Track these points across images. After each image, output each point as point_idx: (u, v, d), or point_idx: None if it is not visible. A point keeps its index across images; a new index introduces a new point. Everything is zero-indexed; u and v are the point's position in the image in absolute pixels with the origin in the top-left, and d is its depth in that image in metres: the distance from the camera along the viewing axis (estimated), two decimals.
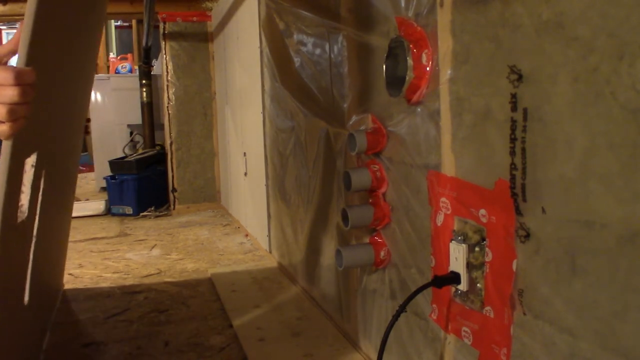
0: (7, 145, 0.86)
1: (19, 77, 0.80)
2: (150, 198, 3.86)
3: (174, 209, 3.81)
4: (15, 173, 0.91)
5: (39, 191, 1.12)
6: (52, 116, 1.20)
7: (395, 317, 0.98)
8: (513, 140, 0.79)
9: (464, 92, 0.92)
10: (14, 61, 0.88)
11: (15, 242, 1.03)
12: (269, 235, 2.49)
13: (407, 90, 1.05)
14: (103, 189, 4.34)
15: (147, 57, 4.05)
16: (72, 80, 1.43)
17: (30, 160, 1.02)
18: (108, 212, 3.83)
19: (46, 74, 0.95)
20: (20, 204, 1.00)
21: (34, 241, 1.20)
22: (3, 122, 0.81)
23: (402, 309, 0.99)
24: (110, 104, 4.61)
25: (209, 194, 3.90)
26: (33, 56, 0.85)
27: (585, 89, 0.67)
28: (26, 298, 1.21)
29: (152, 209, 3.81)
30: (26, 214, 1.04)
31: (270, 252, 2.49)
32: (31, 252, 1.19)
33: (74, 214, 3.73)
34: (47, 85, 0.99)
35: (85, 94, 1.73)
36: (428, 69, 1.02)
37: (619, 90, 0.62)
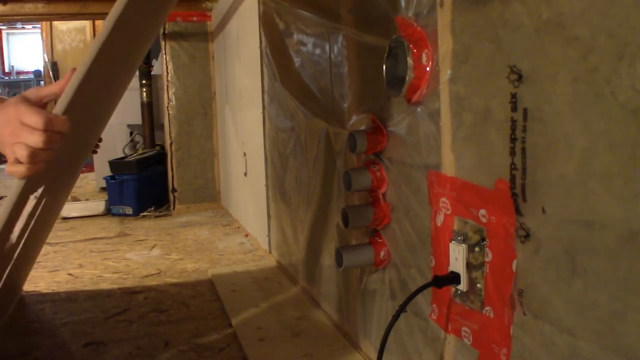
0: (19, 183, 0.85)
1: (49, 124, 0.80)
2: (150, 198, 3.86)
3: (174, 209, 3.81)
4: (18, 207, 0.90)
5: (33, 217, 1.11)
6: (69, 151, 1.18)
7: (395, 317, 0.98)
8: (513, 140, 0.79)
9: (464, 92, 0.92)
10: None
11: None
12: (269, 235, 2.49)
13: (407, 90, 1.05)
14: (103, 189, 4.34)
15: (147, 57, 4.05)
16: (100, 111, 1.40)
17: (36, 193, 1.01)
18: (108, 212, 3.83)
19: (79, 117, 0.94)
20: (11, 235, 1.00)
21: (11, 263, 1.19)
22: (22, 163, 0.81)
23: (402, 309, 0.99)
24: None
25: (209, 194, 3.90)
26: (73, 105, 0.84)
27: (585, 89, 0.67)
28: None
29: (152, 209, 3.81)
30: (14, 242, 1.03)
31: (270, 252, 2.49)
32: (6, 271, 1.18)
33: (74, 214, 3.74)
34: (75, 126, 0.99)
35: (107, 117, 1.70)
36: (428, 69, 1.02)
37: (619, 90, 0.62)
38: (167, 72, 3.74)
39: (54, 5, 3.51)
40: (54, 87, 0.87)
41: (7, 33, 11.72)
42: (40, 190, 1.01)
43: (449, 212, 0.98)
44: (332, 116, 1.57)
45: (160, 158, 4.08)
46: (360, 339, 1.47)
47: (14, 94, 1.40)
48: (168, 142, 3.82)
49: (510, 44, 0.79)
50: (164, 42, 3.73)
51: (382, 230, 1.26)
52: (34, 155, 0.80)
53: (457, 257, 0.95)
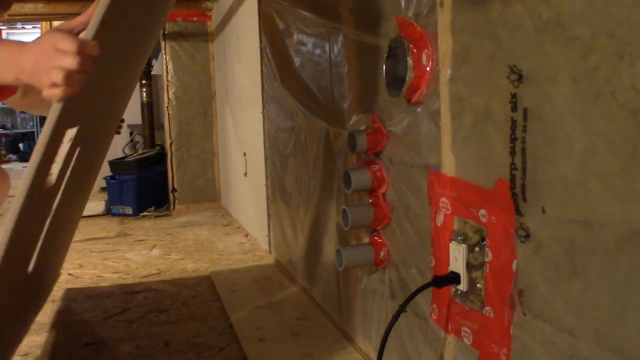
0: (55, 109, 0.89)
1: (82, 47, 0.85)
2: (150, 198, 3.86)
3: (174, 209, 3.81)
4: (55, 139, 0.93)
5: (68, 168, 1.13)
6: (98, 98, 1.24)
7: (395, 317, 0.98)
8: (513, 140, 0.79)
9: (464, 92, 0.92)
10: None
11: (37, 206, 1.04)
12: (269, 235, 2.49)
13: (407, 90, 1.05)
14: (103, 189, 4.34)
15: None
16: (124, 72, 1.45)
17: (70, 134, 1.03)
18: (108, 212, 3.83)
19: (106, 53, 0.97)
20: (50, 171, 1.02)
21: (50, 216, 1.20)
22: (57, 86, 0.86)
23: (402, 309, 0.99)
24: None
25: (209, 194, 3.90)
26: (100, 33, 0.88)
27: (585, 89, 0.67)
28: (30, 268, 1.21)
29: (152, 209, 3.81)
30: (53, 183, 1.05)
31: (270, 252, 2.49)
32: (45, 226, 1.19)
33: None
34: (103, 65, 1.02)
35: (128, 92, 1.75)
36: (428, 69, 1.02)
37: (619, 90, 0.62)
38: (167, 72, 3.74)
39: (54, 5, 3.51)
40: (82, 17, 0.92)
41: (7, 33, 11.72)
42: (74, 131, 1.03)
43: (449, 212, 0.98)
44: (332, 116, 1.57)
45: (160, 158, 4.08)
46: (360, 339, 1.47)
47: None
48: (168, 142, 3.82)
49: (510, 43, 0.79)
50: (164, 42, 3.73)
51: (382, 230, 1.26)
52: (69, 77, 0.85)
53: (457, 257, 0.95)
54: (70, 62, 0.85)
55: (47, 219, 1.19)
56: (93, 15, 0.89)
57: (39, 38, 0.90)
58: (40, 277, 1.33)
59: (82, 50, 0.85)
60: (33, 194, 0.92)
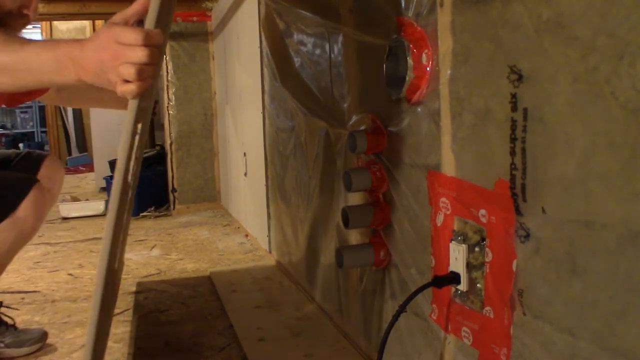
0: (132, 106, 0.86)
1: (148, 39, 0.82)
2: (150, 198, 3.86)
3: (174, 209, 3.81)
4: (133, 136, 0.91)
5: (136, 162, 1.12)
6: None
7: (395, 317, 0.98)
8: (513, 140, 0.79)
9: (464, 92, 0.92)
10: None
11: (124, 206, 1.03)
12: (269, 236, 2.49)
13: (407, 90, 1.05)
14: (103, 189, 4.34)
15: None
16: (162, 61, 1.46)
17: (139, 128, 1.01)
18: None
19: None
20: (129, 175, 1.01)
21: (126, 210, 1.20)
22: (131, 82, 0.83)
23: (402, 309, 0.99)
24: None
25: (209, 194, 3.90)
26: (160, 20, 0.85)
27: (585, 89, 0.67)
28: (117, 264, 1.21)
29: (152, 209, 3.81)
30: (131, 179, 1.04)
31: (270, 252, 2.49)
32: (124, 220, 1.18)
33: (74, 214, 3.74)
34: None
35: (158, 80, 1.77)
36: (428, 69, 1.02)
37: (619, 90, 0.62)
38: (167, 72, 3.74)
39: (54, 5, 3.51)
40: (136, 6, 0.88)
41: None
42: (140, 126, 1.01)
43: (449, 212, 0.98)
44: (332, 116, 1.57)
45: (160, 158, 4.07)
46: (361, 339, 1.47)
47: None
48: (168, 142, 3.82)
49: (510, 44, 0.79)
50: None
51: (382, 230, 1.26)
52: (141, 71, 0.82)
53: (457, 257, 0.95)
54: (140, 55, 0.82)
55: (125, 213, 1.19)
56: (151, 3, 0.85)
57: (96, 34, 0.86)
58: (120, 270, 1.34)
59: (148, 42, 0.82)
60: (123, 192, 0.90)
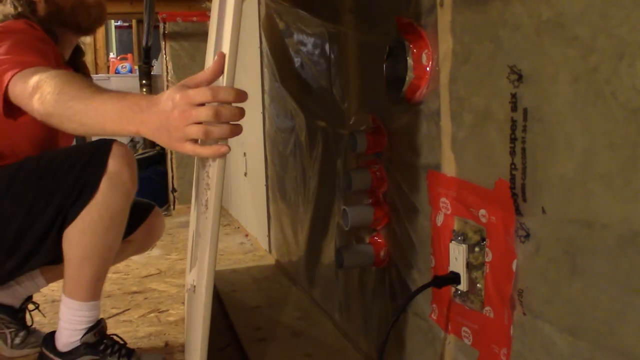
0: (219, 165, 0.91)
1: (216, 95, 0.86)
2: (150, 198, 3.84)
3: (174, 209, 3.81)
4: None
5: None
6: None
7: (395, 317, 0.98)
8: (513, 140, 0.79)
9: (464, 92, 0.92)
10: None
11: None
12: (269, 236, 2.49)
13: (407, 90, 1.05)
14: None
15: (147, 57, 4.05)
16: None
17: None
18: None
19: None
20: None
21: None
22: (197, 143, 0.89)
23: (402, 309, 0.99)
24: None
25: None
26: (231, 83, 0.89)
27: (585, 89, 0.67)
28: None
29: None
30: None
31: (270, 252, 2.49)
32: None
33: None
34: None
35: None
36: (428, 69, 1.02)
37: (619, 90, 0.62)
38: (167, 72, 3.74)
39: None
40: (206, 74, 0.91)
41: None
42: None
43: (449, 212, 0.98)
44: (332, 116, 1.57)
45: (160, 158, 4.07)
46: (361, 339, 1.47)
47: None
48: None
49: (510, 44, 0.79)
50: (164, 42, 3.73)
51: (382, 230, 1.26)
52: (208, 132, 0.86)
53: (457, 257, 0.95)
54: (207, 114, 0.85)
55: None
56: (225, 70, 0.89)
57: (165, 94, 0.90)
58: None
59: (216, 97, 0.86)
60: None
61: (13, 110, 1.22)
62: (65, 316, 1.34)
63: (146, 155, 4.05)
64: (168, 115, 0.87)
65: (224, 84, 0.89)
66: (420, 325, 1.12)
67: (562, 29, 0.70)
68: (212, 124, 0.87)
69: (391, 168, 1.21)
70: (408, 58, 1.04)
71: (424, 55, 1.02)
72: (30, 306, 1.67)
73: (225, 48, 0.89)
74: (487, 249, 0.88)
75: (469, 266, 0.93)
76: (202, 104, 0.87)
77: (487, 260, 0.88)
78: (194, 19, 3.75)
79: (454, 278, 0.95)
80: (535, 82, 0.75)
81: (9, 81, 1.16)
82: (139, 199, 1.56)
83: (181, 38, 3.75)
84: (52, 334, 1.39)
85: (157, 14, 3.64)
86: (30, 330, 1.63)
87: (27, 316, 1.65)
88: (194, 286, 1.16)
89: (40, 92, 1.08)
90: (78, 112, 1.01)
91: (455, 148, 0.96)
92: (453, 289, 0.98)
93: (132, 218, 1.43)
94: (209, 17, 3.76)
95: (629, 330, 0.63)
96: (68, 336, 1.35)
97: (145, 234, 1.63)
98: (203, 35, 3.78)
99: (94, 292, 1.34)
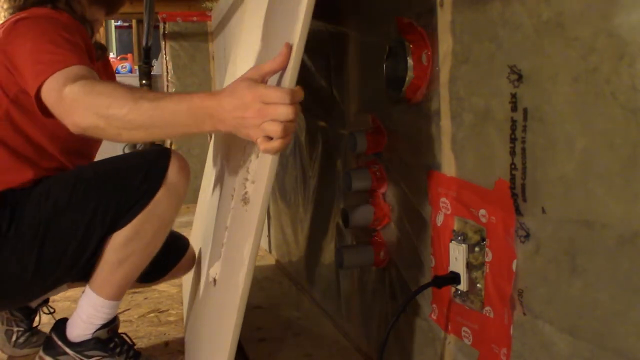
0: (273, 161, 0.89)
1: (294, 97, 0.87)
2: None
3: None
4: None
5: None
6: None
7: (396, 317, 0.98)
8: (513, 140, 0.79)
9: (464, 92, 0.92)
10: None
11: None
12: (269, 235, 2.49)
13: (407, 90, 1.05)
14: None
15: (147, 57, 4.05)
16: None
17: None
18: None
19: None
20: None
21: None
22: (273, 139, 0.87)
23: (402, 309, 0.99)
24: None
25: None
26: (295, 76, 0.89)
27: (585, 89, 0.67)
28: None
29: None
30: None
31: (270, 252, 2.49)
32: None
33: None
34: None
35: None
36: (428, 69, 1.02)
37: (619, 90, 0.62)
38: (167, 72, 3.74)
39: None
40: (273, 65, 0.92)
41: None
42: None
43: (449, 212, 0.98)
44: (332, 116, 1.57)
45: None
46: (361, 339, 1.47)
47: None
48: (168, 142, 3.82)
49: (510, 43, 0.79)
50: (164, 42, 3.73)
51: (382, 230, 1.26)
52: (286, 129, 0.86)
53: (457, 257, 0.95)
54: (287, 113, 0.85)
55: None
56: (291, 62, 0.89)
57: (232, 90, 0.90)
58: None
59: (294, 100, 0.86)
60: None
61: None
62: (86, 309, 1.32)
63: None
64: (244, 115, 0.88)
65: (289, 77, 0.90)
66: (420, 325, 1.12)
67: (562, 29, 0.70)
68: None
69: (391, 168, 1.21)
70: (408, 58, 1.04)
71: (424, 55, 1.02)
72: (45, 310, 1.67)
73: (294, 39, 0.88)
74: (487, 249, 0.88)
75: (469, 266, 0.93)
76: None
77: (487, 260, 0.88)
78: (194, 19, 3.76)
79: (454, 278, 0.95)
80: (535, 82, 0.75)
81: (40, 86, 1.08)
82: (173, 232, 1.53)
83: (181, 38, 3.75)
84: (63, 321, 1.36)
85: (157, 14, 3.64)
86: (34, 331, 1.63)
87: (37, 317, 1.65)
88: (215, 279, 1.15)
89: (96, 107, 1.00)
90: (143, 124, 0.98)
91: (455, 148, 0.96)
92: (453, 289, 0.98)
93: (168, 258, 1.46)
94: (209, 17, 3.77)
95: (629, 330, 0.63)
96: (83, 329, 1.32)
97: (174, 274, 1.63)
98: (203, 35, 3.79)
99: (121, 292, 1.33)
